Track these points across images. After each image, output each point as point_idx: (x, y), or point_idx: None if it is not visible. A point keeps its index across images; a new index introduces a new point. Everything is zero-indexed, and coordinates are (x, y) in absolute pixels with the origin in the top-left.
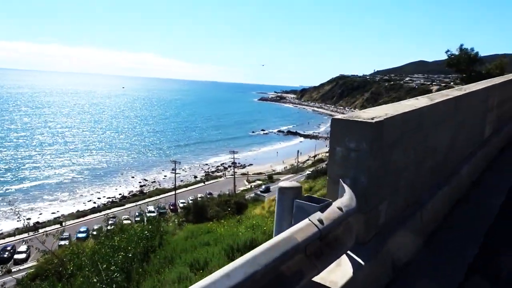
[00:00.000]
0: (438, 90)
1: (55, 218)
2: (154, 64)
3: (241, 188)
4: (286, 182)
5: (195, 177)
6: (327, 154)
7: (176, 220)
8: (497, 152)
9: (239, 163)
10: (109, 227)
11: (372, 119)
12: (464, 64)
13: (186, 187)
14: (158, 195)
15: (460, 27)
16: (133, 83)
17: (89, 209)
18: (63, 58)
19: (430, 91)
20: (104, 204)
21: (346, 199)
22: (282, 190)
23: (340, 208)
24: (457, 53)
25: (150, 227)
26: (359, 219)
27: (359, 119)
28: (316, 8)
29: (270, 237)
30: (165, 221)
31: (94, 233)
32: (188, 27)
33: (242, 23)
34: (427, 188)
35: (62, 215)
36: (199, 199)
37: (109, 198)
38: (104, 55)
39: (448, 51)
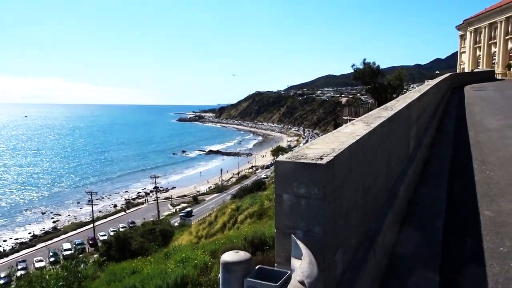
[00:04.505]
0: (347, 101)
1: None
2: (59, 89)
3: (166, 213)
4: (230, 253)
5: (115, 206)
6: (250, 171)
7: (96, 259)
8: (422, 166)
9: (161, 187)
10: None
11: (321, 158)
12: (368, 77)
13: (106, 218)
14: (75, 229)
15: (360, 41)
16: (37, 110)
17: None
18: None
19: (340, 103)
20: (12, 247)
21: (306, 266)
22: (227, 267)
23: (302, 283)
24: (361, 67)
25: (65, 273)
26: (318, 282)
27: (306, 161)
28: (226, 26)
29: (202, 271)
30: (84, 261)
31: (1, 282)
32: (96, 50)
33: (153, 44)
34: (373, 219)
35: None
36: (121, 230)
37: (17, 239)
38: (2, 82)
39: (353, 65)
